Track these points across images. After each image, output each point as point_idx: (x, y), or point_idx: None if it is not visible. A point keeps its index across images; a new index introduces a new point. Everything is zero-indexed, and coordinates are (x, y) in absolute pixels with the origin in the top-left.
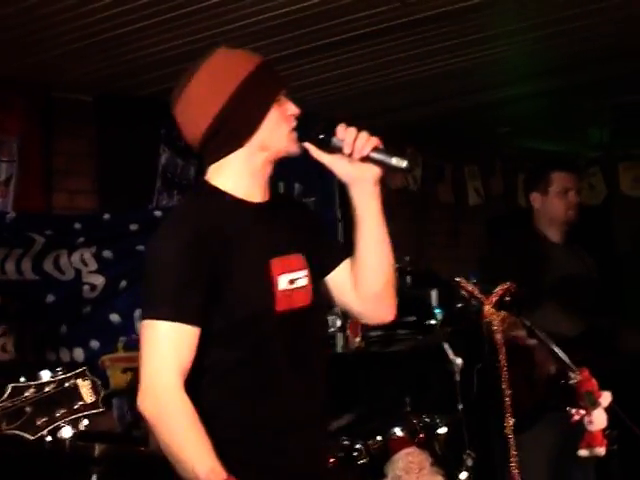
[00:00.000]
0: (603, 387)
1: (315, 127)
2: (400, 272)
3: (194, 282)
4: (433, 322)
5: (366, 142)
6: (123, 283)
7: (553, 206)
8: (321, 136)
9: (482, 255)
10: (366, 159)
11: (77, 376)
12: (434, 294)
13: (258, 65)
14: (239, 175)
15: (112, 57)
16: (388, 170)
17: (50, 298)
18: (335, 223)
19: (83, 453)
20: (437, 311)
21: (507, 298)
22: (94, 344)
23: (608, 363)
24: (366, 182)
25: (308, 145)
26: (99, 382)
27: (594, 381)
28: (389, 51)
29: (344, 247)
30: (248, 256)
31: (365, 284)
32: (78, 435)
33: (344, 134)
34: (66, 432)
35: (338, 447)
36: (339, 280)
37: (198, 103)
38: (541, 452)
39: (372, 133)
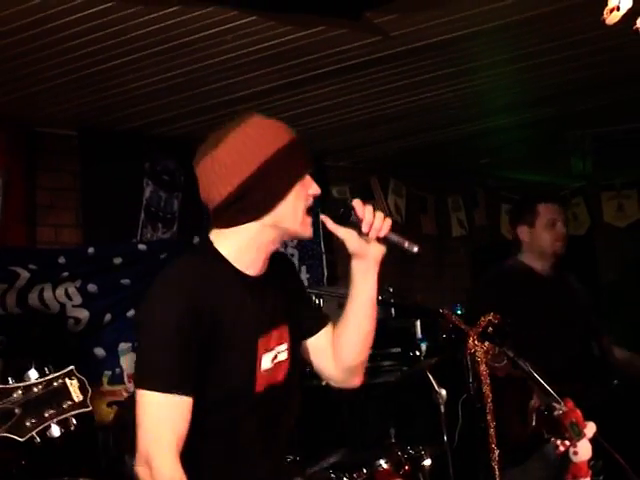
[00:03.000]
0: (589, 418)
1: (334, 207)
2: (384, 304)
3: (186, 353)
4: (418, 353)
5: (383, 223)
6: (107, 317)
7: (541, 238)
8: (341, 210)
9: (469, 288)
10: (381, 239)
11: (65, 375)
12: (418, 325)
13: (289, 141)
14: (244, 247)
15: (94, 92)
16: (398, 251)
17: (35, 332)
18: (320, 256)
19: None
20: (421, 342)
21: (490, 329)
22: None
23: (596, 395)
24: (371, 258)
25: (325, 218)
26: (86, 381)
27: (579, 412)
28: (372, 84)
29: (324, 314)
30: (237, 333)
31: (345, 357)
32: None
33: (363, 213)
34: (55, 431)
35: None
36: (318, 346)
37: (223, 169)
38: None
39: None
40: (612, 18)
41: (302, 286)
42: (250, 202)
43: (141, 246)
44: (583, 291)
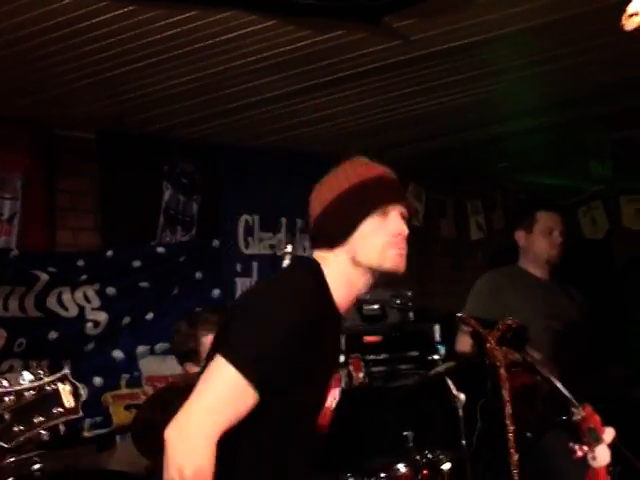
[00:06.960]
0: (607, 423)
1: None
2: (402, 307)
3: (283, 361)
4: (436, 357)
5: None
6: (126, 320)
7: (536, 244)
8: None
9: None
10: None
11: (58, 380)
12: (437, 329)
13: (373, 176)
14: (338, 279)
15: (114, 95)
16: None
17: (53, 335)
18: None
19: None
20: (440, 346)
21: (509, 334)
22: (97, 381)
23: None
24: None
25: None
26: (81, 386)
27: (597, 417)
28: (392, 87)
29: None
30: (322, 364)
31: None
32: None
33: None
34: (43, 437)
35: None
36: None
37: (316, 198)
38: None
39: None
40: (631, 23)
41: None
42: (326, 228)
43: (160, 249)
44: (581, 305)
